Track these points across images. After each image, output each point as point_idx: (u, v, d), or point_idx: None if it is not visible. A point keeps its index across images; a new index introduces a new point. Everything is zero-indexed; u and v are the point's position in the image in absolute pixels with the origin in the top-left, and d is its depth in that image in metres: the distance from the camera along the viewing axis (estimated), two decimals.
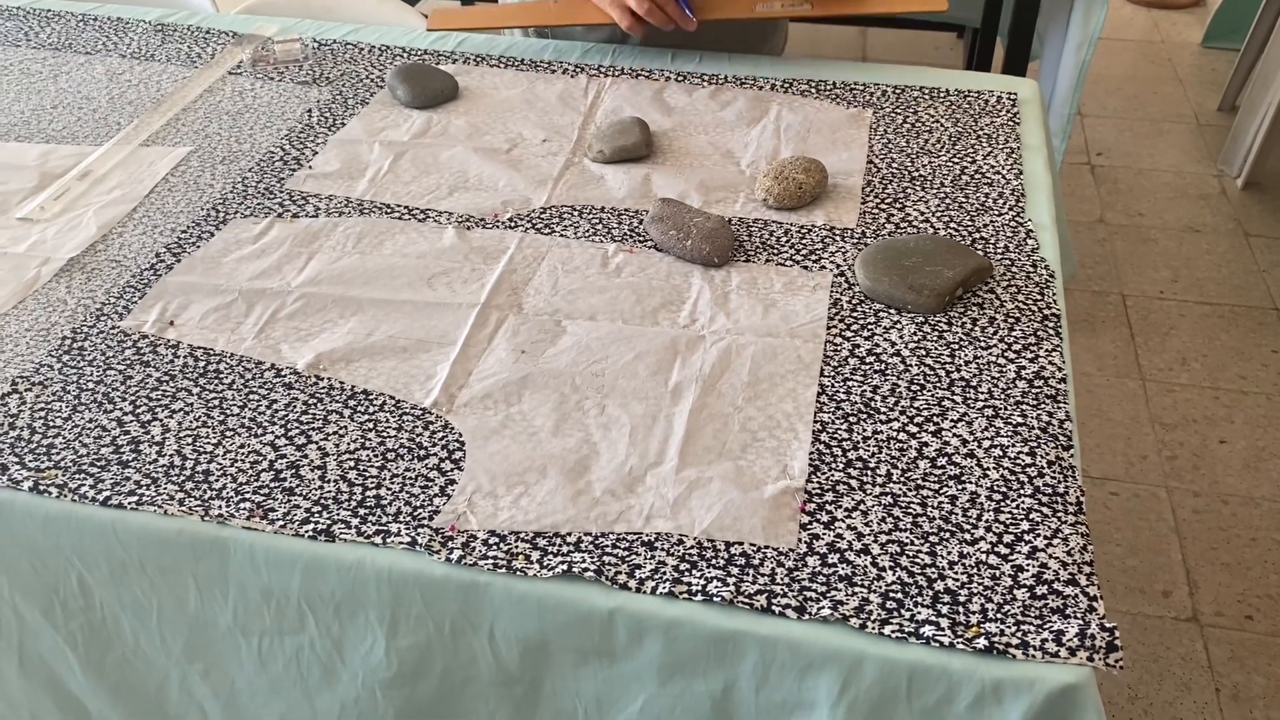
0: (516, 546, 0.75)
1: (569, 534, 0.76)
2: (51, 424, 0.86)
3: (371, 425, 0.86)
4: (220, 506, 0.79)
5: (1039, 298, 0.97)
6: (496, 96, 1.34)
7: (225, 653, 0.84)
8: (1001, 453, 0.82)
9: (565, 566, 0.73)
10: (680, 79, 1.37)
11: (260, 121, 1.29)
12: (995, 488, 0.79)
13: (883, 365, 0.90)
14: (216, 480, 0.81)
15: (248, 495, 0.80)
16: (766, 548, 0.75)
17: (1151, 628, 1.68)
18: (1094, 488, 1.91)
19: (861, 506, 0.78)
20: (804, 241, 1.06)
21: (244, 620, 0.81)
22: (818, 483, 0.79)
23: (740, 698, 0.73)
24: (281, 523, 0.77)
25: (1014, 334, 0.93)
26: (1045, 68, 2.28)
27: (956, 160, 1.18)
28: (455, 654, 0.78)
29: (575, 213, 1.11)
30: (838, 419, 0.85)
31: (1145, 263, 2.49)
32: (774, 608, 0.70)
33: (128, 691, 0.90)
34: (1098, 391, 2.13)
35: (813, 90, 1.33)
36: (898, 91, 1.32)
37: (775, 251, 1.05)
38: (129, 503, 0.79)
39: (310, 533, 0.77)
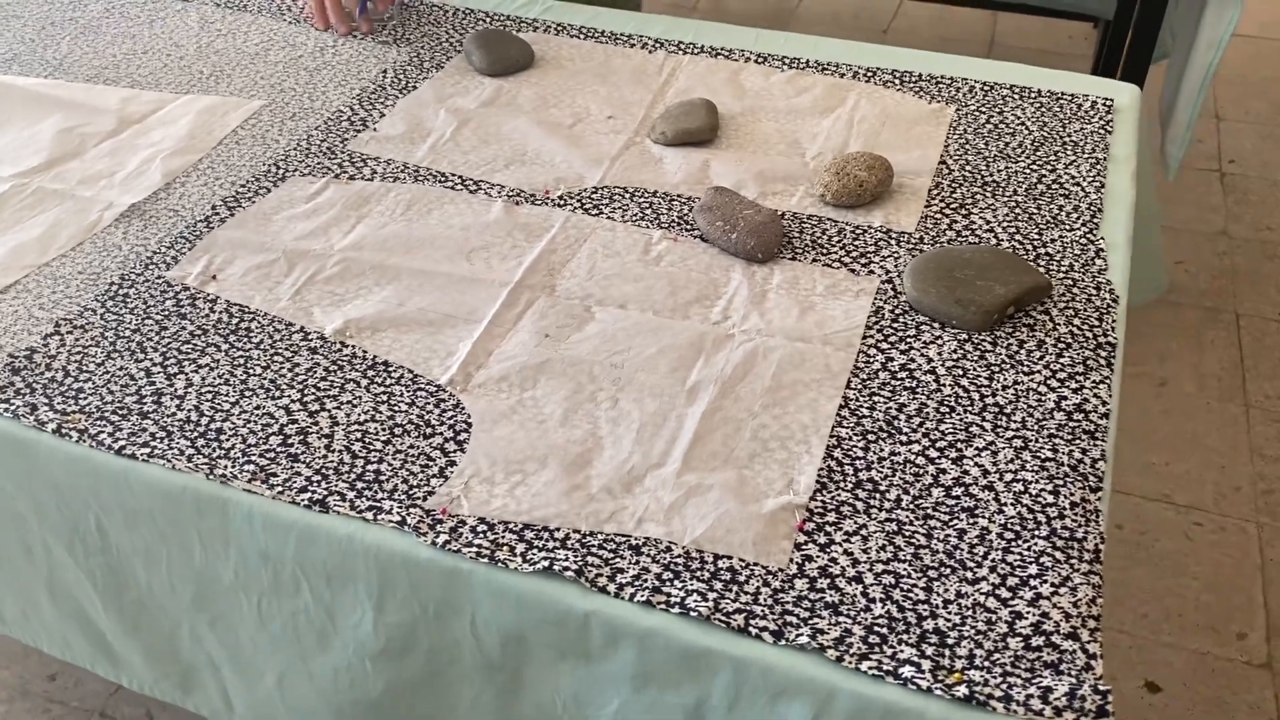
0: (503, 537, 0.74)
1: (558, 529, 0.75)
2: (85, 368, 0.89)
3: (385, 397, 0.86)
4: (226, 466, 0.80)
5: (1096, 324, 0.91)
6: (570, 68, 1.32)
7: (229, 607, 0.86)
8: (1023, 488, 0.77)
9: (547, 563, 0.72)
10: (760, 60, 1.32)
11: (335, 79, 1.30)
12: (1009, 525, 0.74)
13: (914, 382, 0.86)
14: (227, 439, 0.82)
15: (254, 458, 0.81)
16: (755, 565, 0.72)
17: (1219, 670, 1.59)
18: (1177, 515, 1.81)
19: (863, 531, 0.74)
20: (857, 243, 1.02)
21: (244, 579, 0.83)
22: (821, 501, 0.76)
23: (713, 715, 0.71)
24: (280, 489, 0.78)
25: (1061, 361, 0.88)
26: (1173, 68, 2.14)
27: (1035, 167, 1.11)
28: (440, 636, 0.78)
29: (626, 195, 1.09)
30: (855, 435, 0.81)
31: (1267, 281, 2.34)
32: (750, 629, 0.68)
33: (145, 632, 0.93)
34: (1196, 414, 2.01)
35: (896, 81, 1.27)
36: (985, 88, 1.25)
37: (824, 251, 1.01)
38: (141, 454, 0.81)
39: (306, 501, 0.77)
